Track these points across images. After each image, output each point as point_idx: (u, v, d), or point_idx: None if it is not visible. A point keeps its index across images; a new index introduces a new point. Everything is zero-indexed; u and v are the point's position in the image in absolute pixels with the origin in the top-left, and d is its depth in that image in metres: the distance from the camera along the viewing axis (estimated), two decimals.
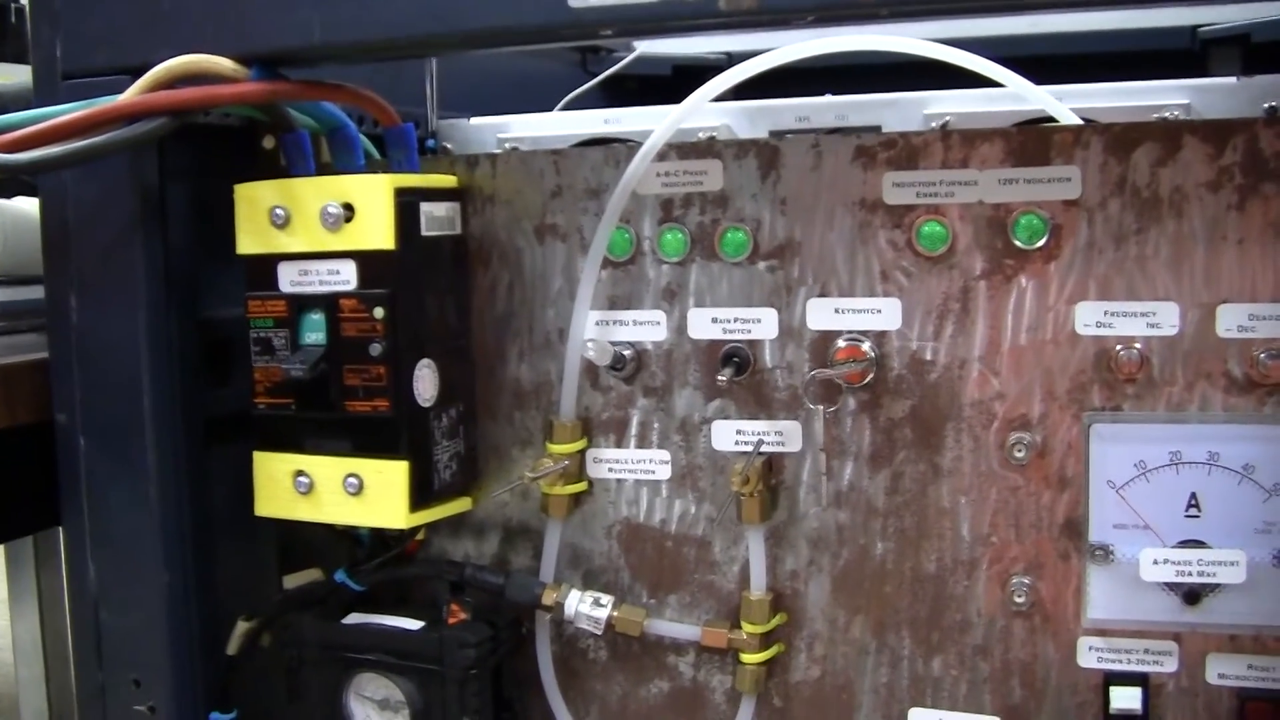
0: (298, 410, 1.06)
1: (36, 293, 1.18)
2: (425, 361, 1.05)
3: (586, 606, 1.08)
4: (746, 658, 1.07)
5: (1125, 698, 1.02)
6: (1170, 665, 1.01)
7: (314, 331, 1.05)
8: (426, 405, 1.06)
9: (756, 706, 1.09)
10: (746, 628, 1.07)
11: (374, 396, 1.03)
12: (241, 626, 1.15)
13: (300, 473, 1.07)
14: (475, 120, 1.35)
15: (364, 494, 1.05)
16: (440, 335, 1.08)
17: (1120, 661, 1.02)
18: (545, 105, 1.48)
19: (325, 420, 1.05)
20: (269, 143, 1.16)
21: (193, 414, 1.14)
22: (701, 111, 1.08)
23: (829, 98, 1.25)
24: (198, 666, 1.15)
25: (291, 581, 1.16)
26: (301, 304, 1.05)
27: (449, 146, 1.35)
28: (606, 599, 1.09)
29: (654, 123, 1.04)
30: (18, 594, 1.94)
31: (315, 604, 1.15)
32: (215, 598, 1.17)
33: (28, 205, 1.29)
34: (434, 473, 1.07)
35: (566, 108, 1.54)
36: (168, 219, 1.11)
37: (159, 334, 1.11)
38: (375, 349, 1.02)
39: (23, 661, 1.93)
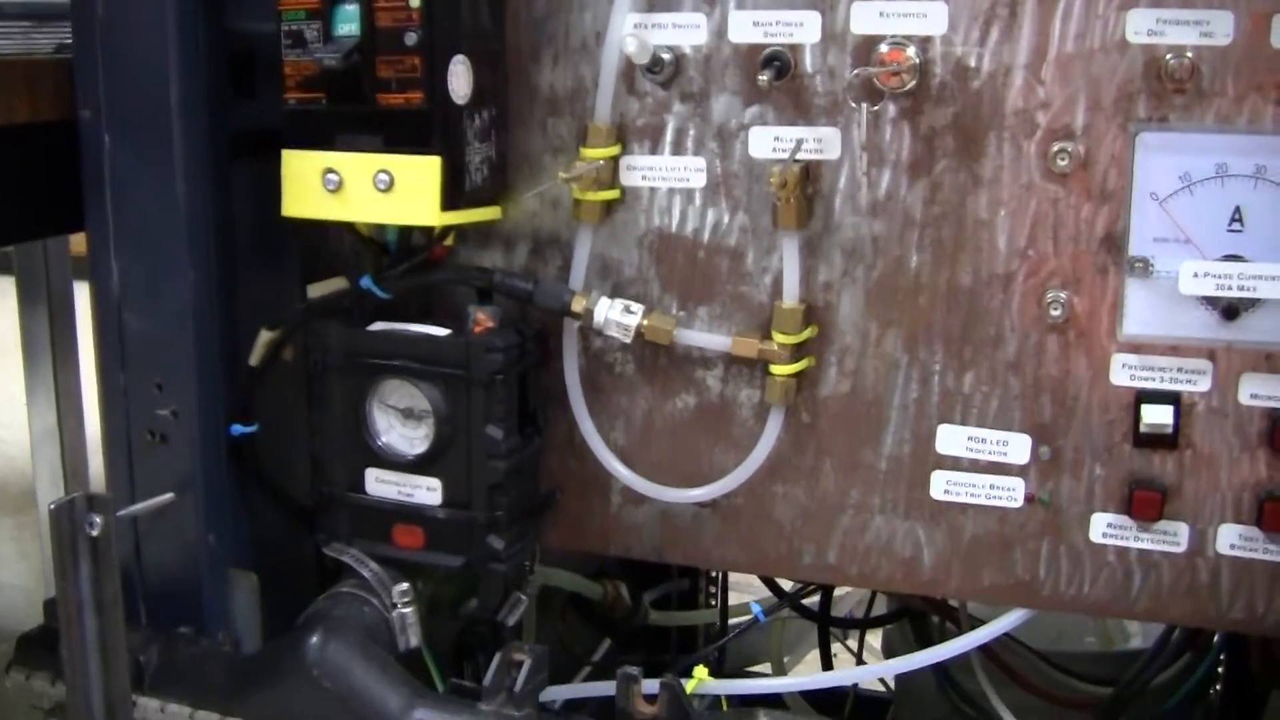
0: (329, 104, 1.04)
1: None
2: (459, 57, 1.03)
3: (616, 314, 1.07)
4: (776, 369, 1.06)
5: (1156, 415, 1.01)
6: (1203, 384, 1.00)
7: (347, 23, 1.02)
8: (460, 103, 1.03)
9: (785, 420, 1.08)
10: (777, 338, 1.06)
11: (408, 89, 1.01)
12: (264, 336, 1.14)
13: (330, 170, 1.05)
14: None
15: (394, 190, 1.03)
16: (475, 34, 1.05)
17: (1153, 380, 1.01)
18: None
19: (357, 114, 1.03)
20: None
21: (218, 121, 1.13)
22: None
23: None
24: (220, 374, 1.15)
25: (315, 291, 1.15)
26: None
27: None
28: (637, 307, 1.08)
29: None
30: (34, 387, 1.92)
31: (339, 313, 1.13)
32: (238, 308, 1.16)
33: None
34: (466, 173, 1.05)
35: None
36: None
37: (187, 32, 1.09)
38: (410, 38, 1.00)
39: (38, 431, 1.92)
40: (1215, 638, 1.27)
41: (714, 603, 2.01)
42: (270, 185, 1.08)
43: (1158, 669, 1.23)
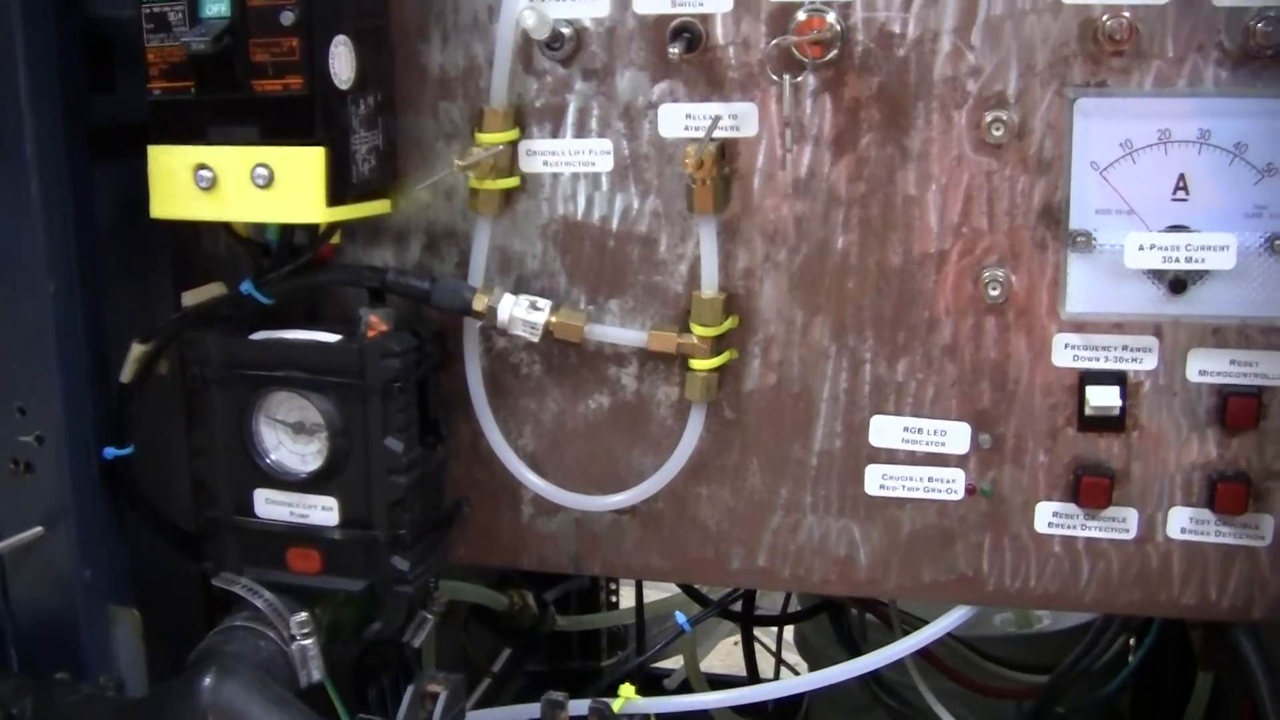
0: (198, 93, 0.95)
1: None
2: (341, 37, 0.95)
3: (522, 311, 0.99)
4: (696, 364, 0.99)
5: (1102, 396, 0.95)
6: (1149, 362, 0.95)
7: (216, 2, 0.93)
8: (344, 87, 0.95)
9: (706, 418, 1.01)
10: (696, 330, 0.99)
11: (285, 73, 0.92)
12: (137, 350, 1.05)
13: (202, 166, 0.96)
14: None
15: (275, 186, 0.94)
16: (357, 11, 0.97)
17: (1097, 359, 0.96)
18: None
19: (230, 103, 0.95)
20: None
21: (74, 116, 1.03)
22: None
23: None
24: (89, 393, 1.06)
25: (191, 298, 1.06)
26: None
27: None
28: (544, 302, 1.00)
29: None
30: None
31: (218, 321, 1.04)
32: (106, 322, 1.08)
33: None
34: (352, 164, 0.97)
35: None
36: None
37: (35, 19, 0.99)
38: (287, 18, 0.91)
39: None
40: (1154, 621, 1.22)
41: (615, 600, 1.95)
42: (137, 185, 0.99)
43: (1096, 655, 1.18)
